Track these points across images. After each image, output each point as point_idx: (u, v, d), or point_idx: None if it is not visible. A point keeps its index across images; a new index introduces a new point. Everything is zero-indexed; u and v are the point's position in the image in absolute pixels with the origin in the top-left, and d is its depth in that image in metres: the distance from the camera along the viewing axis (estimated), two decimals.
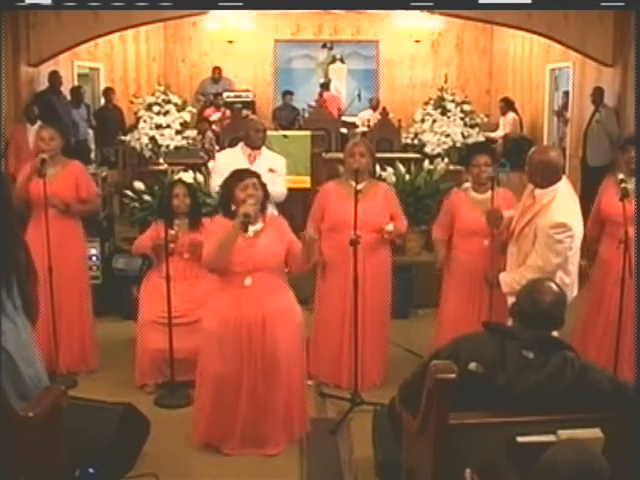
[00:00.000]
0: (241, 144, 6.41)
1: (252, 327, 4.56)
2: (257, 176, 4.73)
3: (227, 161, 6.18)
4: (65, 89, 10.91)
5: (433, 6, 9.18)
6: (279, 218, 4.98)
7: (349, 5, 11.27)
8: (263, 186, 4.72)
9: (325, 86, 13.99)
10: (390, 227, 5.60)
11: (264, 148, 6.38)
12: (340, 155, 6.45)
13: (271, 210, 5.09)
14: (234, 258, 4.53)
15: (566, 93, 12.01)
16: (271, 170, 6.08)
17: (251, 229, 4.60)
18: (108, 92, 12.32)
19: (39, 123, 9.02)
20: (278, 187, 6.09)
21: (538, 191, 4.83)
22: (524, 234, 4.88)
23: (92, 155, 11.77)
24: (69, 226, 5.89)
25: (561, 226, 4.66)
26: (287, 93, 14.16)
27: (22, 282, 3.36)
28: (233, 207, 4.62)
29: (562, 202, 4.75)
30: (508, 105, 12.84)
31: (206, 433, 4.79)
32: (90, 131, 11.87)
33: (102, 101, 12.53)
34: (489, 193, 5.27)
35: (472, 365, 3.29)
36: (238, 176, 4.70)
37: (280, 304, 4.67)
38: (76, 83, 11.86)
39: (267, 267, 4.58)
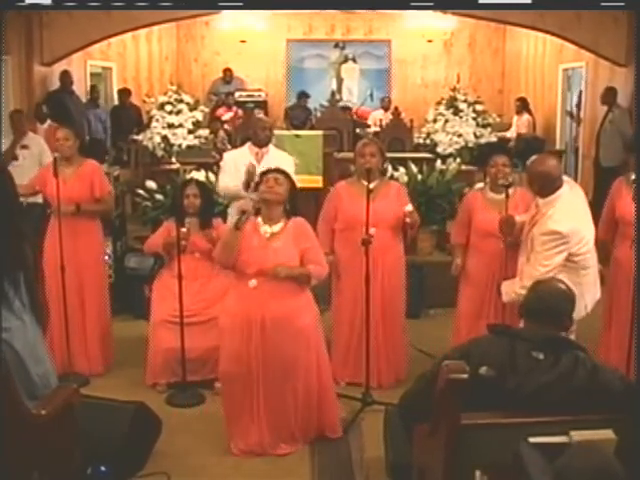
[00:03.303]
0: (249, 143, 6.41)
1: (253, 328, 4.53)
2: (282, 172, 4.69)
3: (235, 161, 6.21)
4: (78, 88, 10.94)
5: (433, 6, 9.18)
6: (303, 222, 4.75)
7: (348, 5, 11.25)
8: (291, 184, 4.68)
9: (348, 109, 13.19)
10: (409, 207, 5.56)
11: (272, 147, 6.38)
12: (352, 155, 6.44)
13: None
14: (244, 257, 4.50)
15: (582, 93, 11.96)
16: None
17: (268, 230, 4.58)
18: (124, 93, 12.35)
19: (49, 122, 9.09)
20: None
21: (541, 201, 4.85)
22: (527, 243, 4.91)
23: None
24: (85, 225, 5.90)
25: (552, 233, 4.67)
26: (303, 95, 13.80)
27: (29, 280, 3.37)
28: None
29: (560, 210, 4.73)
30: (524, 105, 12.81)
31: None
32: (105, 130, 11.90)
33: (116, 100, 12.56)
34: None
35: (483, 369, 3.28)
36: (265, 171, 4.72)
37: (285, 308, 4.55)
38: (89, 82, 11.91)
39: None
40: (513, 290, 4.84)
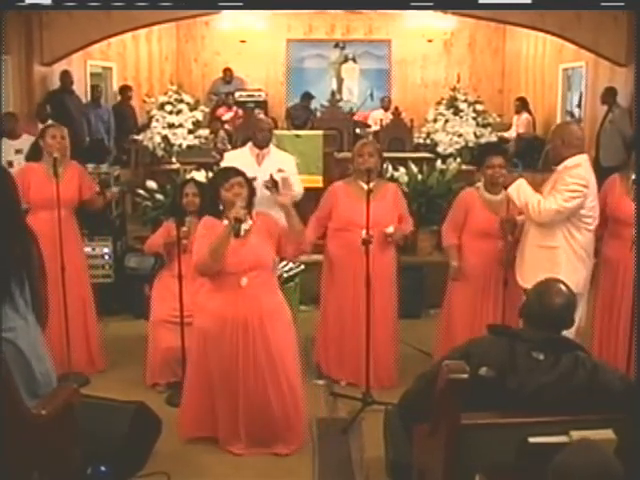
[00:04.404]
0: (249, 144, 6.41)
1: (249, 326, 4.54)
2: (242, 174, 4.68)
3: (235, 161, 6.19)
4: (78, 88, 10.94)
5: (433, 6, 9.19)
6: (266, 214, 4.84)
7: (348, 5, 11.24)
8: (249, 184, 4.69)
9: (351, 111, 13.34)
10: (390, 229, 5.57)
11: (273, 147, 6.38)
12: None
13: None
14: (228, 259, 4.49)
15: (582, 93, 11.96)
16: (280, 170, 6.08)
17: (241, 228, 4.60)
18: (126, 90, 12.35)
19: (50, 122, 9.06)
20: (294, 187, 6.07)
21: (561, 166, 4.93)
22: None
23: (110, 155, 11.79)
24: (68, 226, 5.87)
25: (579, 177, 4.81)
26: (307, 96, 13.65)
27: (33, 280, 3.37)
28: (220, 207, 4.59)
29: (586, 168, 4.92)
30: (523, 105, 12.81)
31: (192, 428, 4.83)
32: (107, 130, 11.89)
33: (118, 99, 12.57)
34: (502, 194, 5.26)
35: (483, 370, 3.28)
36: (223, 175, 4.69)
37: (273, 303, 4.67)
38: (89, 82, 11.90)
39: (261, 265, 4.57)
40: (517, 191, 4.98)
